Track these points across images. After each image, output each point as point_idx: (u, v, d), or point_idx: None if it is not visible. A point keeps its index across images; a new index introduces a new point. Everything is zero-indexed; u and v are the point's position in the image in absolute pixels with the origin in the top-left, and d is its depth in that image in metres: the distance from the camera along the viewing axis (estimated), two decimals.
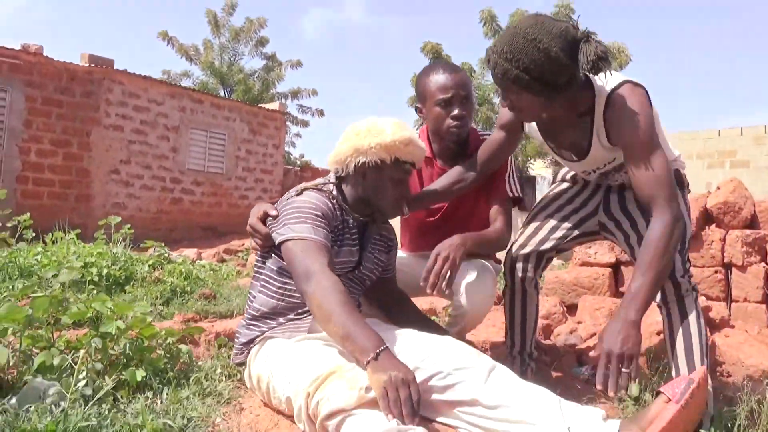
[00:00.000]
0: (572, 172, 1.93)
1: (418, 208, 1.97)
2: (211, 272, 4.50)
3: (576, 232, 1.86)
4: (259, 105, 13.39)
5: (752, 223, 3.09)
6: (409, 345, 1.55)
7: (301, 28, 49.51)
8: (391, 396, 1.29)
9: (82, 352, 1.48)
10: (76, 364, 1.47)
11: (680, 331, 1.58)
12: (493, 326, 2.68)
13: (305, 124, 19.18)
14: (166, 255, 4.14)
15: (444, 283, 1.71)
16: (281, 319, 1.69)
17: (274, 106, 13.16)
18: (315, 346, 1.55)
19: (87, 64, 9.60)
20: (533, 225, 1.91)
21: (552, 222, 1.88)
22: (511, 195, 2.06)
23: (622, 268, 3.20)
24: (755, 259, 2.93)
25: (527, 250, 1.89)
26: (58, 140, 9.36)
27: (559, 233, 1.87)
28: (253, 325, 1.73)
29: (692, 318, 1.57)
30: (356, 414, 1.30)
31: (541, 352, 2.27)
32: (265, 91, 17.82)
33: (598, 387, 1.42)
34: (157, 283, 3.46)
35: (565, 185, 1.95)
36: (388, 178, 1.72)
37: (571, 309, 3.09)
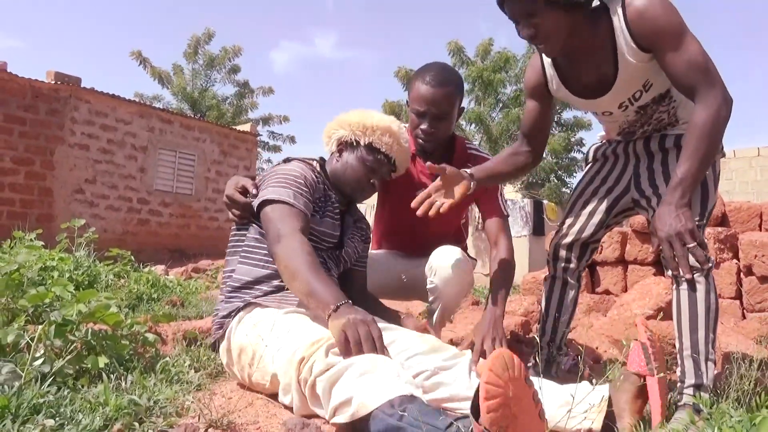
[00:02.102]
0: (602, 147, 1.89)
1: (487, 184, 1.89)
2: (179, 286, 4.36)
3: (613, 213, 1.82)
4: (231, 127, 13.29)
5: (722, 222, 3.14)
6: (393, 341, 1.51)
7: (270, 60, 49.82)
8: (351, 335, 1.27)
9: (39, 328, 1.37)
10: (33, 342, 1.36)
11: (686, 308, 1.52)
12: (472, 324, 2.64)
13: (277, 149, 19.12)
14: (133, 264, 3.99)
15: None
16: (265, 287, 1.63)
17: (245, 127, 13.08)
18: (306, 319, 1.49)
19: (53, 82, 9.40)
20: (573, 212, 1.87)
21: (590, 207, 1.84)
22: (505, 213, 2.04)
23: (598, 268, 3.20)
24: (727, 256, 2.97)
25: (569, 239, 1.85)
26: (21, 158, 9.07)
27: (597, 218, 1.82)
28: (235, 296, 1.65)
29: (700, 296, 1.51)
30: (355, 365, 1.24)
31: (522, 344, 2.24)
32: (237, 117, 17.76)
33: (673, 273, 1.45)
34: (123, 289, 3.32)
35: (597, 165, 1.90)
36: (360, 158, 1.76)
37: None
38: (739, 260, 3.08)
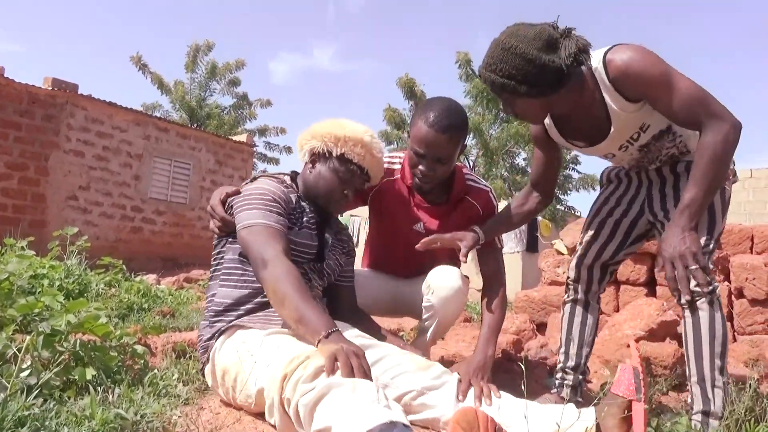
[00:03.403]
0: (616, 169, 1.90)
1: (492, 236, 1.94)
2: (170, 296, 4.33)
3: (632, 236, 1.83)
4: (227, 137, 13.29)
5: None
6: (381, 358, 1.51)
7: (268, 71, 49.95)
8: (341, 359, 1.25)
9: (27, 338, 1.36)
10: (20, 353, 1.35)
11: (691, 336, 1.55)
12: (463, 341, 2.63)
13: (274, 161, 19.05)
14: (125, 273, 3.97)
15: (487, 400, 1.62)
16: (248, 307, 1.62)
17: (242, 137, 13.09)
18: (291, 339, 1.48)
19: (50, 88, 9.40)
20: (590, 233, 1.87)
21: (607, 229, 1.84)
22: (500, 246, 2.03)
23: None
24: (719, 278, 2.98)
25: (589, 261, 1.85)
26: (15, 163, 9.05)
27: (617, 240, 1.83)
28: (218, 320, 1.64)
29: (704, 322, 1.53)
30: (334, 390, 1.22)
31: (513, 363, 2.23)
32: (235, 127, 17.75)
33: (673, 293, 1.48)
34: (113, 299, 3.30)
35: (611, 187, 1.90)
36: (332, 169, 1.75)
37: (541, 327, 3.06)
38: (730, 282, 3.09)
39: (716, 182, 1.48)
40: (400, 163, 2.01)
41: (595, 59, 1.55)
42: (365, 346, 1.50)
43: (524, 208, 1.94)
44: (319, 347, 1.33)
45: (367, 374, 1.26)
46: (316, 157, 1.78)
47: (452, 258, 2.06)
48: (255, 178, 1.78)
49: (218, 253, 1.75)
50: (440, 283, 1.85)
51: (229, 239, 1.70)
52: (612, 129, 1.63)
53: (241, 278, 1.65)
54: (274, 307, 1.50)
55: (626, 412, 1.35)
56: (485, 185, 2.07)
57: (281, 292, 1.45)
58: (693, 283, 1.50)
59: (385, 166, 1.98)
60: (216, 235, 1.76)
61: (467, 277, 2.08)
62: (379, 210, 2.06)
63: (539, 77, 1.47)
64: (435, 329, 1.92)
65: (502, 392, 1.62)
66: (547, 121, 1.75)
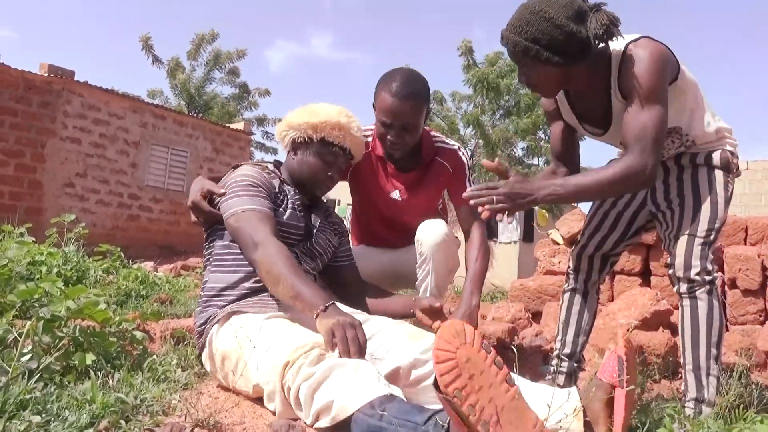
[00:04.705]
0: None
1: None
2: (168, 284, 4.34)
3: (633, 228, 1.84)
4: (224, 125, 13.24)
5: None
6: (373, 335, 1.53)
7: (265, 59, 49.68)
8: (338, 334, 1.31)
9: (28, 323, 1.37)
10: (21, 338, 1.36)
11: (689, 324, 1.56)
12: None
13: (272, 151, 18.94)
14: (123, 260, 3.98)
15: None
16: (240, 292, 1.64)
17: (239, 125, 13.05)
18: (289, 324, 1.50)
19: (46, 74, 9.34)
20: (593, 224, 1.88)
21: (609, 220, 1.84)
22: None
23: None
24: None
25: (590, 251, 1.86)
26: (11, 150, 9.02)
27: (617, 232, 1.83)
28: (211, 304, 1.66)
29: (702, 312, 1.54)
30: (336, 371, 1.26)
31: (508, 351, 2.25)
32: (235, 117, 17.67)
33: (674, 282, 1.57)
34: (112, 285, 3.31)
35: None
36: (314, 153, 1.79)
37: (536, 316, 3.09)
38: (723, 273, 3.12)
39: (591, 195, 1.57)
40: (372, 136, 2.06)
41: (618, 45, 1.55)
42: (364, 318, 1.55)
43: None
44: (317, 322, 1.37)
45: (362, 346, 1.31)
46: (297, 145, 1.82)
47: (436, 217, 2.08)
48: (237, 166, 1.81)
49: (209, 241, 1.79)
50: (428, 231, 1.89)
51: (218, 227, 1.74)
52: (614, 118, 1.64)
53: (233, 263, 1.68)
54: (269, 287, 1.54)
55: (610, 398, 1.38)
56: (453, 144, 2.12)
57: (275, 271, 1.49)
58: (693, 272, 1.52)
59: None
60: (203, 228, 1.80)
61: (457, 238, 2.11)
62: (357, 184, 2.13)
63: (564, 45, 1.48)
64: (434, 281, 1.93)
65: None
66: (560, 96, 1.75)
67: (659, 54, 1.51)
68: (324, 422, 1.22)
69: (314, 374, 1.26)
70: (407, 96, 1.86)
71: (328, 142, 1.78)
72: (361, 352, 1.30)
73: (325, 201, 2.02)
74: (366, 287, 1.93)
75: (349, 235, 2.27)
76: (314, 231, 1.82)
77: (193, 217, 1.80)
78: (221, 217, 1.68)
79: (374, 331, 1.55)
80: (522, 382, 1.47)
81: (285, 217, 1.72)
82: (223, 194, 1.70)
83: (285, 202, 1.76)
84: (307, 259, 1.77)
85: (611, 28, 1.45)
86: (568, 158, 1.91)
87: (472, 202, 1.49)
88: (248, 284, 1.64)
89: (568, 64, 1.51)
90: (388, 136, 1.92)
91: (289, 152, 1.86)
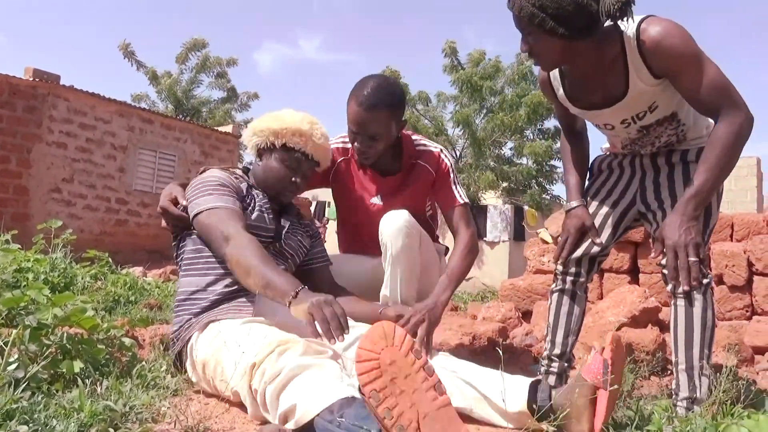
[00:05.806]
0: (608, 158, 1.90)
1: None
2: (157, 289, 4.32)
3: (621, 228, 1.83)
4: (212, 128, 13.18)
5: None
6: (354, 341, 1.53)
7: (254, 61, 49.53)
8: (318, 315, 1.33)
9: (14, 332, 1.36)
10: (6, 346, 1.35)
11: (683, 324, 1.56)
12: (450, 329, 2.66)
13: None
14: (111, 266, 3.95)
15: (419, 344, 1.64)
16: (212, 297, 1.65)
17: (227, 128, 12.99)
18: (263, 327, 1.51)
19: (31, 78, 9.24)
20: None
21: (597, 219, 1.83)
22: (462, 201, 2.03)
23: None
24: None
25: (579, 253, 1.84)
26: None
27: (605, 234, 1.82)
28: (182, 309, 1.68)
29: (697, 312, 1.54)
30: (299, 375, 1.27)
31: (498, 350, 2.26)
32: (225, 121, 17.58)
33: (672, 282, 1.49)
34: (100, 292, 3.28)
35: (602, 177, 1.90)
36: (277, 159, 1.82)
37: (526, 315, 3.10)
38: (710, 269, 3.15)
39: (725, 172, 1.50)
40: None
41: (626, 27, 1.52)
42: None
43: (582, 152, 1.92)
44: (291, 308, 1.39)
45: (342, 322, 1.33)
46: (261, 151, 1.85)
47: (428, 231, 2.07)
48: (204, 170, 1.83)
49: (178, 247, 1.80)
50: (387, 221, 1.86)
51: (188, 232, 1.76)
52: (626, 98, 1.61)
53: (204, 266, 1.70)
54: (240, 279, 1.55)
55: (593, 395, 1.38)
56: (435, 146, 2.11)
57: (245, 263, 1.51)
58: (693, 275, 1.51)
59: (340, 146, 2.08)
60: (172, 233, 1.82)
61: (446, 246, 2.10)
62: (339, 190, 2.13)
63: (572, 17, 1.44)
64: (392, 269, 1.87)
65: (445, 355, 1.69)
66: (554, 72, 1.73)
67: (674, 24, 1.50)
68: (290, 425, 1.25)
69: (279, 375, 1.27)
70: (372, 106, 1.86)
71: (289, 148, 1.81)
72: (342, 328, 1.32)
73: (315, 203, 2.04)
74: (339, 291, 1.92)
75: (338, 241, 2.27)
76: (284, 232, 1.83)
77: (164, 222, 1.83)
78: (190, 222, 1.70)
79: (355, 336, 1.53)
80: (481, 371, 1.53)
81: (253, 218, 1.74)
82: (186, 205, 1.72)
83: (252, 204, 1.79)
84: (279, 260, 1.78)
85: (626, 7, 1.42)
86: (579, 128, 1.91)
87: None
88: (219, 288, 1.66)
89: (572, 38, 1.48)
90: (356, 144, 1.94)
91: (255, 158, 1.90)
